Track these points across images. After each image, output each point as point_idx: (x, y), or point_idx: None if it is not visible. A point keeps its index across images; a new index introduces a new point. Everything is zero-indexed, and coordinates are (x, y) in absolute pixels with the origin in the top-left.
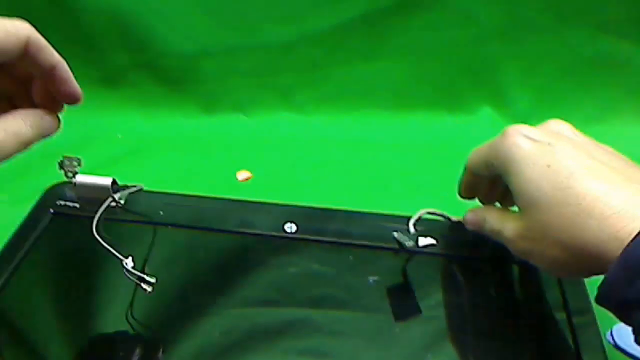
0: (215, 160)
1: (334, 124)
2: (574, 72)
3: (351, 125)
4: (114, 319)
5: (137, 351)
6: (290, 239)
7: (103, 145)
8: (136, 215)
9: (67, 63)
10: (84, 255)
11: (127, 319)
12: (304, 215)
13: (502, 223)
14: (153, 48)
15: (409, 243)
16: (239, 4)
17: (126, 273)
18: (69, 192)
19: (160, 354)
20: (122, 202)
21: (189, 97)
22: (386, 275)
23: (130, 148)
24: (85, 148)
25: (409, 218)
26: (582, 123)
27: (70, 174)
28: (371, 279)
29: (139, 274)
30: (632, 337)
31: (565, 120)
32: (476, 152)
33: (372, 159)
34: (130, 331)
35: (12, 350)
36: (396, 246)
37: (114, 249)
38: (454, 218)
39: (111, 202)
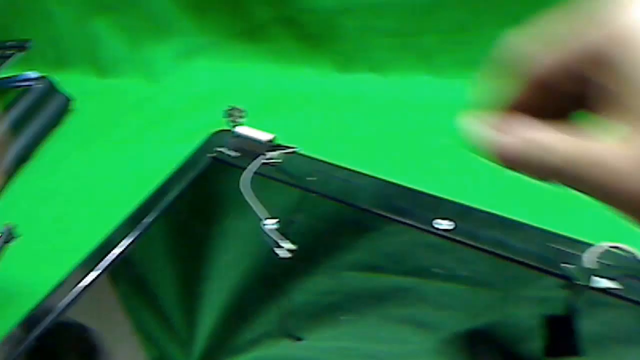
0: (347, 119)
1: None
2: None
3: None
4: (230, 268)
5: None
6: (441, 236)
7: (240, 96)
8: (286, 175)
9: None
10: (231, 204)
11: (245, 271)
12: (461, 213)
13: (582, 148)
14: (295, 3)
15: (582, 281)
16: None
17: (264, 233)
18: (230, 141)
19: (265, 307)
20: (277, 160)
21: (326, 54)
22: (546, 303)
23: (264, 101)
24: (221, 99)
25: (585, 245)
26: None
27: (233, 124)
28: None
29: (276, 237)
30: None
31: None
32: (558, 57)
33: None
34: (244, 283)
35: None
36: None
37: (260, 204)
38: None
39: (265, 159)
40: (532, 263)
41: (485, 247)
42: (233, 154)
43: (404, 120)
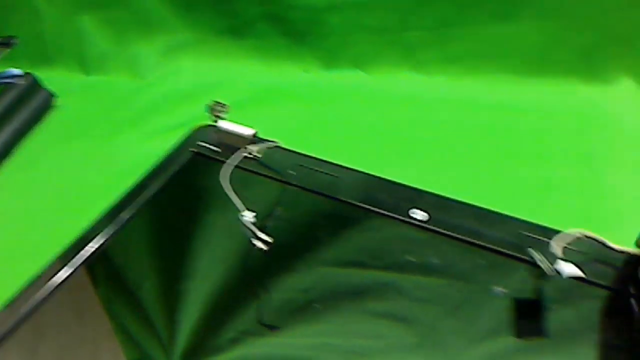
0: (331, 114)
1: (457, 85)
2: None
3: (476, 88)
4: (210, 265)
5: (223, 300)
6: (416, 226)
7: (225, 92)
8: (268, 170)
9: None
10: (212, 199)
11: (226, 268)
12: (436, 204)
13: None
14: (281, 0)
15: (546, 267)
16: None
17: (242, 226)
18: (212, 135)
19: (246, 304)
20: (258, 155)
21: (311, 50)
22: (516, 288)
23: (250, 96)
24: (206, 95)
25: (555, 233)
26: None
27: (216, 118)
28: (497, 288)
29: (254, 229)
30: None
31: None
32: None
33: (494, 123)
34: (224, 280)
35: (116, 279)
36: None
37: (239, 198)
38: (616, 247)
39: (246, 152)
40: (502, 250)
41: (458, 236)
42: (215, 148)
43: (387, 115)
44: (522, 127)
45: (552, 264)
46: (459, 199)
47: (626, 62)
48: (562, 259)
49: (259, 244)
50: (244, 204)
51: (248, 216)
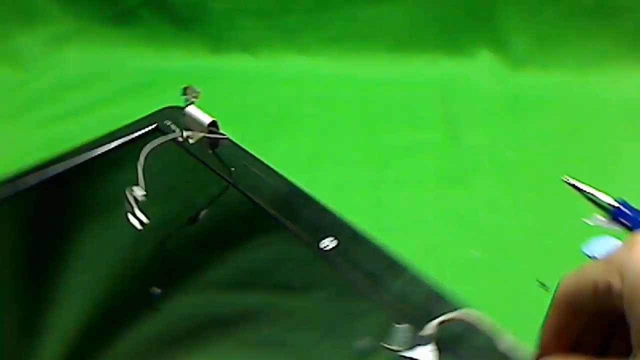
0: (220, 98)
1: (338, 64)
2: (574, 17)
3: (354, 66)
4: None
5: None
6: (321, 254)
7: (112, 81)
8: (212, 161)
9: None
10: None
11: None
12: (350, 235)
13: None
14: None
15: (398, 347)
16: None
17: (125, 200)
18: (178, 117)
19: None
20: (190, 141)
21: (197, 36)
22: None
23: (138, 83)
24: (95, 83)
25: (450, 309)
26: (578, 68)
27: (187, 102)
28: (361, 343)
29: (134, 205)
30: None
31: (563, 64)
32: (579, 275)
33: (370, 97)
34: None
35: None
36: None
37: (142, 176)
38: (503, 344)
39: (178, 136)
40: (385, 306)
41: (356, 278)
42: (176, 129)
43: (274, 95)
44: (394, 98)
45: (413, 345)
46: (331, 157)
47: (484, 35)
48: (427, 344)
49: (135, 222)
50: (173, 188)
51: (135, 192)
